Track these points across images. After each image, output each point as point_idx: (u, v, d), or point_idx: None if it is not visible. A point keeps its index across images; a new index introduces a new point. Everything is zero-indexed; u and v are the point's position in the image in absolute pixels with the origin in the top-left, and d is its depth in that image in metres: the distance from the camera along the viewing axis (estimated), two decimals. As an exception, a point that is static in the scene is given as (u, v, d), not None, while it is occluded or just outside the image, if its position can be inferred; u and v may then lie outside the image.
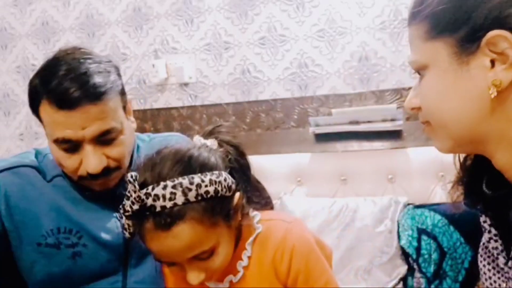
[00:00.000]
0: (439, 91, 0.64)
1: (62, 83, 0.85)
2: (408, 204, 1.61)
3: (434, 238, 1.45)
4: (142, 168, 0.77)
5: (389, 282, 1.54)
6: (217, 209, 0.76)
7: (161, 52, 2.05)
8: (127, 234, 0.76)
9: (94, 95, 0.86)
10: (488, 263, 0.75)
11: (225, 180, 0.77)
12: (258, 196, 0.91)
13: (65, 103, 0.85)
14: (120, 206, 0.74)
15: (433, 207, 1.52)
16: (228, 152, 0.83)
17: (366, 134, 1.76)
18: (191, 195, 0.73)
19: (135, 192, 0.71)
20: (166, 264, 0.82)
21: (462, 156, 0.74)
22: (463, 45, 0.60)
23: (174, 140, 1.10)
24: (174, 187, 0.72)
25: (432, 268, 1.44)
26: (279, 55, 1.92)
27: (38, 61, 2.17)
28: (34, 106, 0.90)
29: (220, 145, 0.84)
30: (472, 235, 1.39)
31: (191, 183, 0.73)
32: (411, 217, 1.52)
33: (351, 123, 1.75)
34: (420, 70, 0.67)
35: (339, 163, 1.78)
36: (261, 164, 1.73)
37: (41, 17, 2.20)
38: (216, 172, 0.77)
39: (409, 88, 2.13)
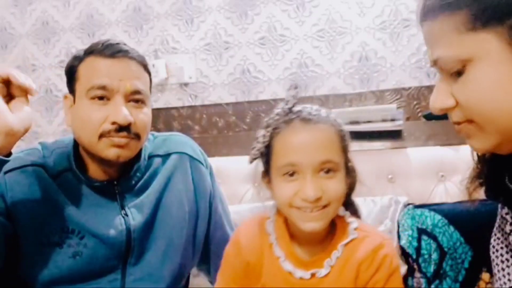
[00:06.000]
0: (494, 84, 0.58)
1: (109, 42, 0.99)
2: (408, 204, 1.61)
3: (434, 238, 1.45)
4: None
5: (389, 282, 1.54)
6: None
7: (161, 52, 2.05)
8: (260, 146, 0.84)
9: (137, 55, 1.00)
10: (507, 252, 0.73)
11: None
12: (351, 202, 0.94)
13: (111, 51, 0.97)
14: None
15: (433, 207, 1.52)
16: None
17: (366, 134, 1.76)
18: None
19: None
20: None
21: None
22: None
23: (176, 139, 1.15)
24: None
25: (432, 268, 1.43)
26: (279, 55, 1.92)
27: (38, 61, 2.17)
28: (72, 72, 0.99)
29: None
30: (472, 235, 1.39)
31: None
32: (411, 217, 1.52)
33: (351, 123, 1.75)
34: (457, 65, 0.61)
35: (339, 163, 1.78)
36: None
37: (41, 17, 2.19)
38: None
39: (409, 88, 2.11)
